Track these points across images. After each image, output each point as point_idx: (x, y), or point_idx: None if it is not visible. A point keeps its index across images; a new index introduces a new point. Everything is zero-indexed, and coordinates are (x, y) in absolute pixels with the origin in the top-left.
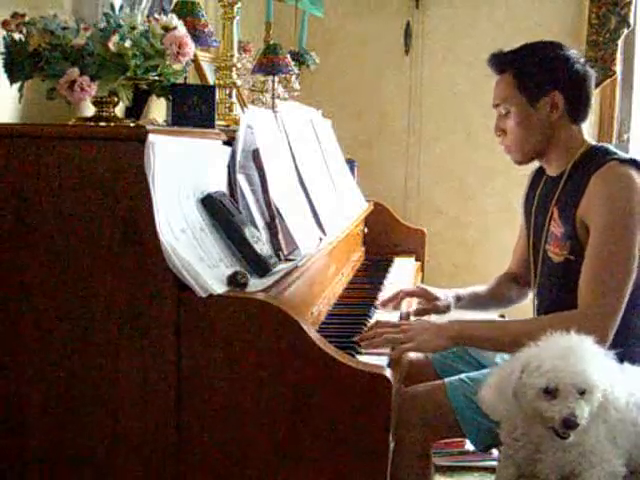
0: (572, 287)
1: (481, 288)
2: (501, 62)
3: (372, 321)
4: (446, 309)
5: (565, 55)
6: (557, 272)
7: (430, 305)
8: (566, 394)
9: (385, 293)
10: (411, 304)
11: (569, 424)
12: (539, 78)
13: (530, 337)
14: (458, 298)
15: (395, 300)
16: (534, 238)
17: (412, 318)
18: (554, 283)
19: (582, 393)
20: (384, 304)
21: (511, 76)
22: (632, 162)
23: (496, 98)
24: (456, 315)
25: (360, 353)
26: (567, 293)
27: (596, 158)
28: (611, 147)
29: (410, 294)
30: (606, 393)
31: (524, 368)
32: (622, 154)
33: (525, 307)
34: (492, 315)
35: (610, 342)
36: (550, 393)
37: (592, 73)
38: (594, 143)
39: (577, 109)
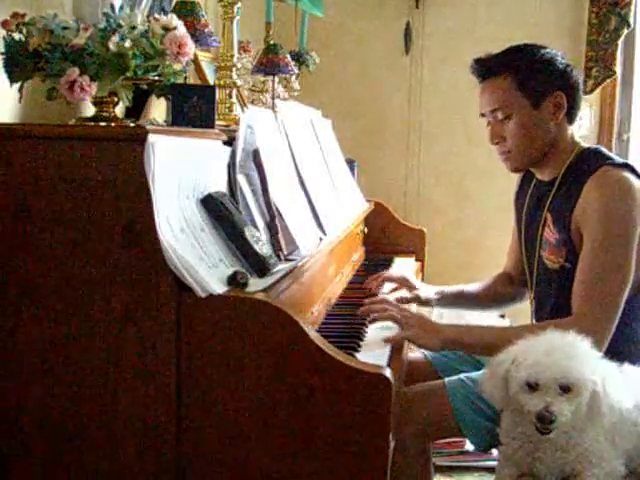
0: (569, 293)
1: (474, 286)
2: (493, 66)
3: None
4: (426, 302)
5: (559, 56)
6: (553, 278)
7: (412, 295)
8: (546, 389)
9: (385, 293)
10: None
11: (543, 418)
12: (542, 78)
13: None
14: (442, 295)
15: (376, 281)
16: (527, 244)
17: (413, 307)
18: (551, 289)
19: (566, 391)
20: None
21: (509, 78)
22: (625, 166)
23: (491, 103)
24: (454, 314)
25: (358, 351)
26: (565, 299)
27: (589, 162)
28: (604, 149)
29: (390, 279)
30: (595, 395)
31: (513, 361)
32: (615, 157)
33: (525, 307)
34: (492, 315)
35: (609, 350)
36: (532, 387)
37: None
38: (586, 145)
39: (575, 109)
